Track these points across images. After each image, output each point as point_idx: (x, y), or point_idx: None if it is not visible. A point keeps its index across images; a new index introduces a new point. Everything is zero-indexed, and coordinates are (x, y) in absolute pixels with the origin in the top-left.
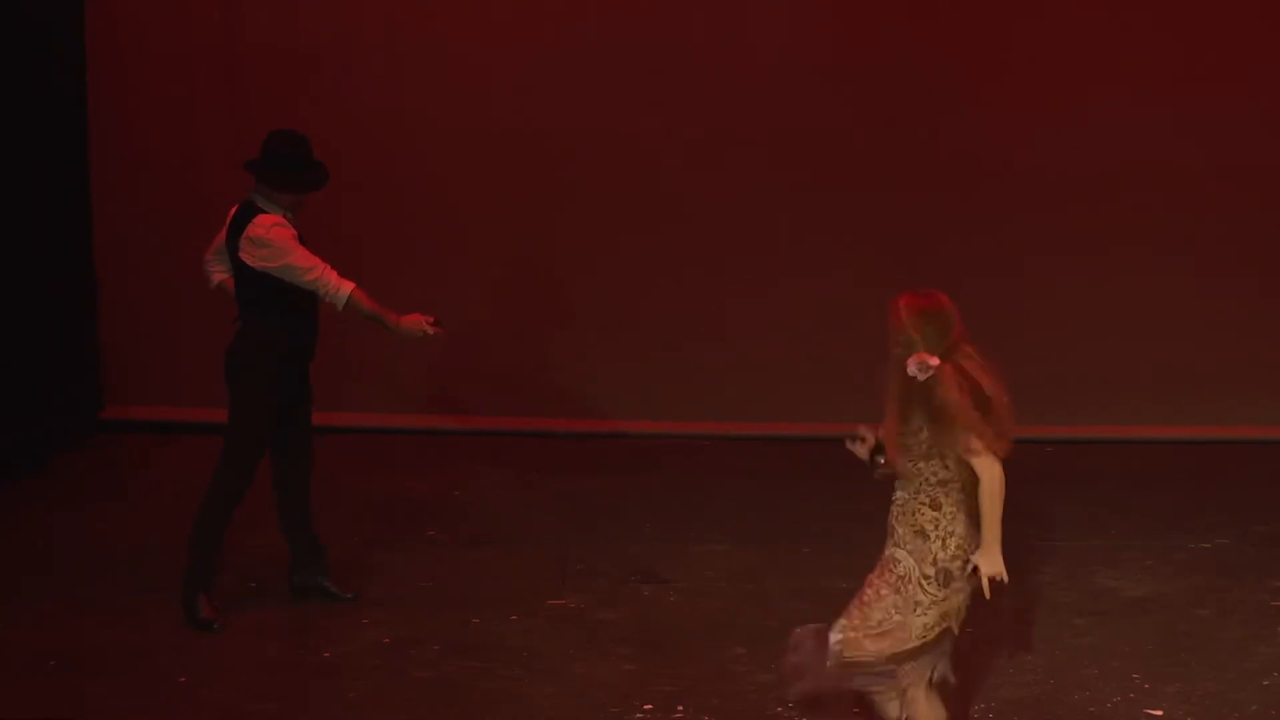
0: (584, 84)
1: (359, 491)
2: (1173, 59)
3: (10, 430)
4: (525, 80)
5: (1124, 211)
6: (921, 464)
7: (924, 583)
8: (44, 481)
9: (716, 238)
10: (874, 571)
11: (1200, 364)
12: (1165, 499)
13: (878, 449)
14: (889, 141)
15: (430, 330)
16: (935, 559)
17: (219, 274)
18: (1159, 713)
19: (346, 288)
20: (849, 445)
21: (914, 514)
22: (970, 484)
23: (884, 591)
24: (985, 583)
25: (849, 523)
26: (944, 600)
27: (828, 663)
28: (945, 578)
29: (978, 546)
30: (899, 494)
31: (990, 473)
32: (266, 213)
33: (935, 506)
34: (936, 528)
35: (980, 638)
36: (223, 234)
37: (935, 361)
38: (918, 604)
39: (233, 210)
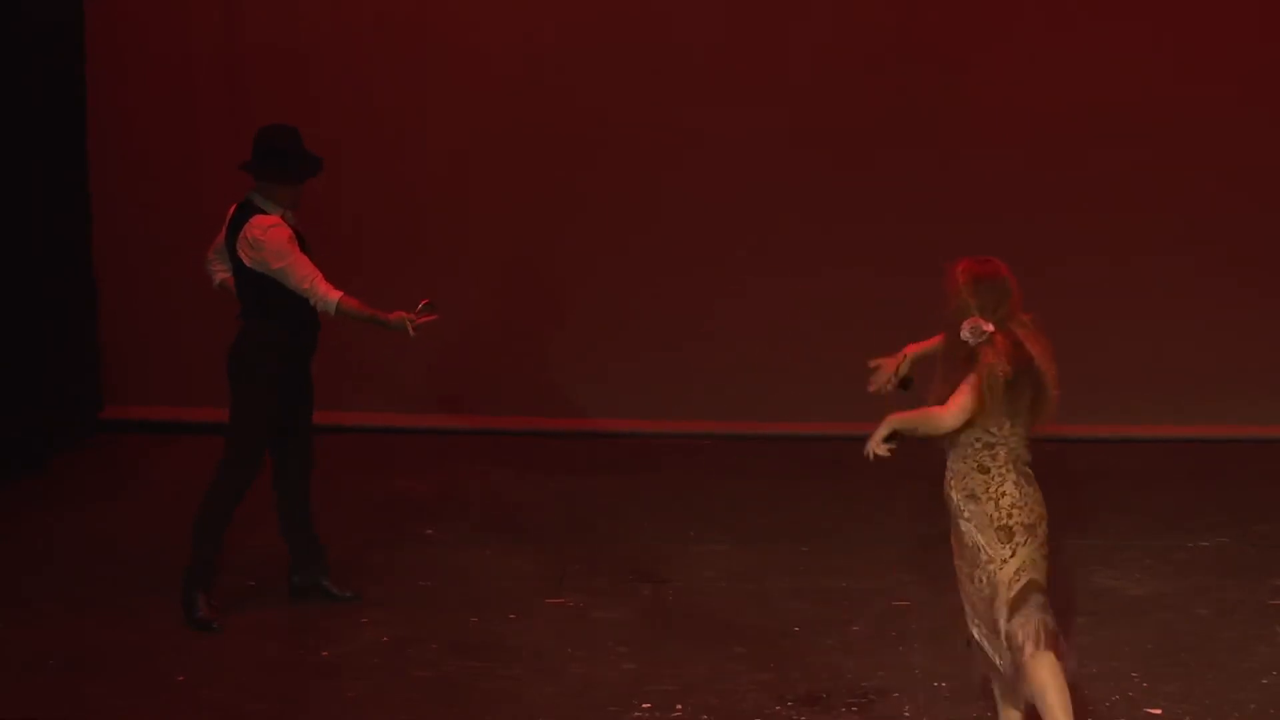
0: (584, 84)
1: (359, 491)
2: (1173, 59)
3: (10, 430)
4: (525, 80)
5: (1123, 212)
6: (967, 429)
7: (988, 546)
8: (44, 481)
9: (717, 238)
10: (953, 554)
11: (1200, 364)
12: (1165, 498)
13: (905, 381)
14: (889, 142)
15: (416, 322)
16: (992, 519)
17: (221, 273)
18: (1158, 711)
19: (334, 296)
20: (871, 386)
21: (965, 478)
22: (1017, 445)
23: (964, 570)
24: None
25: (849, 522)
26: (1013, 555)
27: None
28: (1005, 535)
29: (1030, 502)
30: (950, 463)
31: (945, 413)
32: (265, 212)
33: (984, 470)
34: (987, 490)
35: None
36: (223, 233)
37: (990, 327)
38: (990, 562)
39: (232, 209)
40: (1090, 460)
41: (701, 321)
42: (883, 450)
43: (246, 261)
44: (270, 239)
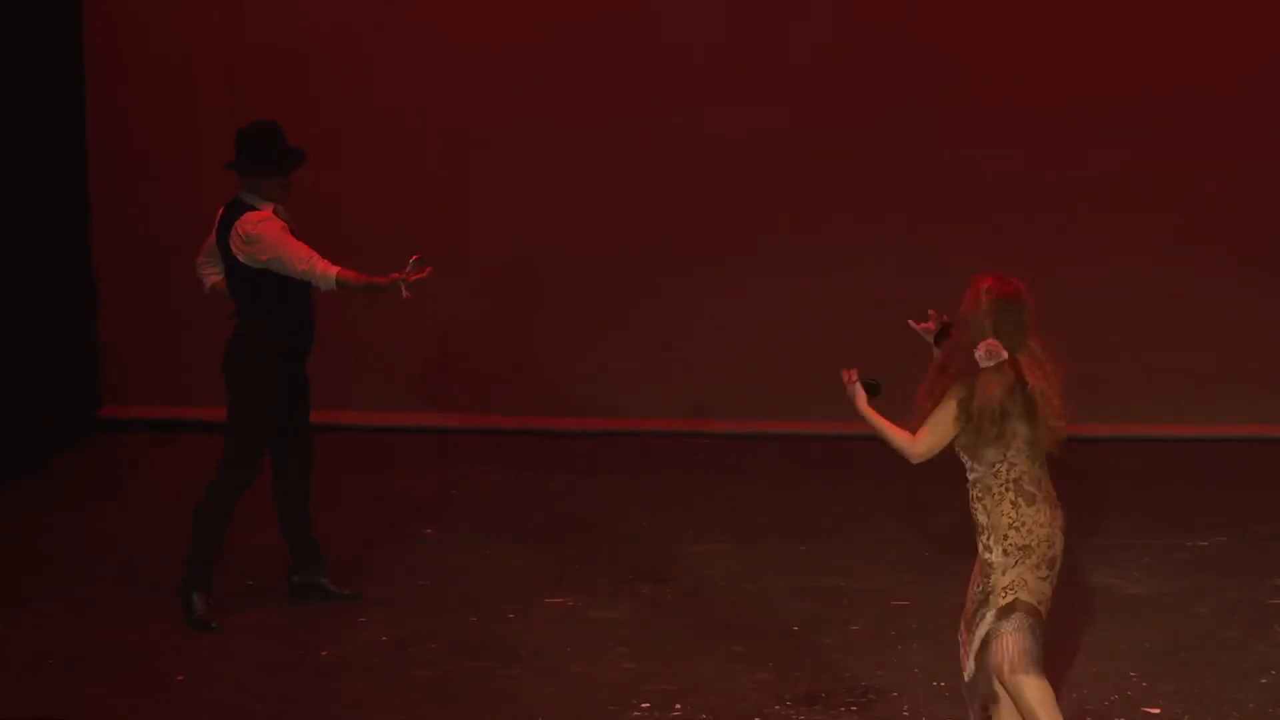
0: (584, 84)
1: (359, 491)
2: (1173, 59)
3: (10, 430)
4: (525, 80)
5: (1123, 211)
6: (964, 454)
7: (989, 557)
8: (44, 481)
9: (716, 237)
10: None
11: (1200, 364)
12: (1165, 498)
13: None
14: (889, 142)
15: (409, 280)
16: (992, 534)
17: (212, 276)
18: (1157, 711)
19: (333, 271)
20: (913, 323)
21: (973, 500)
22: (1022, 464)
23: (974, 574)
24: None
25: (849, 522)
26: (1003, 573)
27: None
28: (1001, 552)
29: (1029, 524)
30: (967, 475)
31: (910, 444)
32: (254, 208)
33: (987, 488)
34: (988, 507)
35: None
36: (212, 236)
37: (1004, 355)
38: (991, 573)
39: (220, 211)
40: (1090, 460)
41: (701, 321)
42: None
43: (240, 258)
44: (264, 230)
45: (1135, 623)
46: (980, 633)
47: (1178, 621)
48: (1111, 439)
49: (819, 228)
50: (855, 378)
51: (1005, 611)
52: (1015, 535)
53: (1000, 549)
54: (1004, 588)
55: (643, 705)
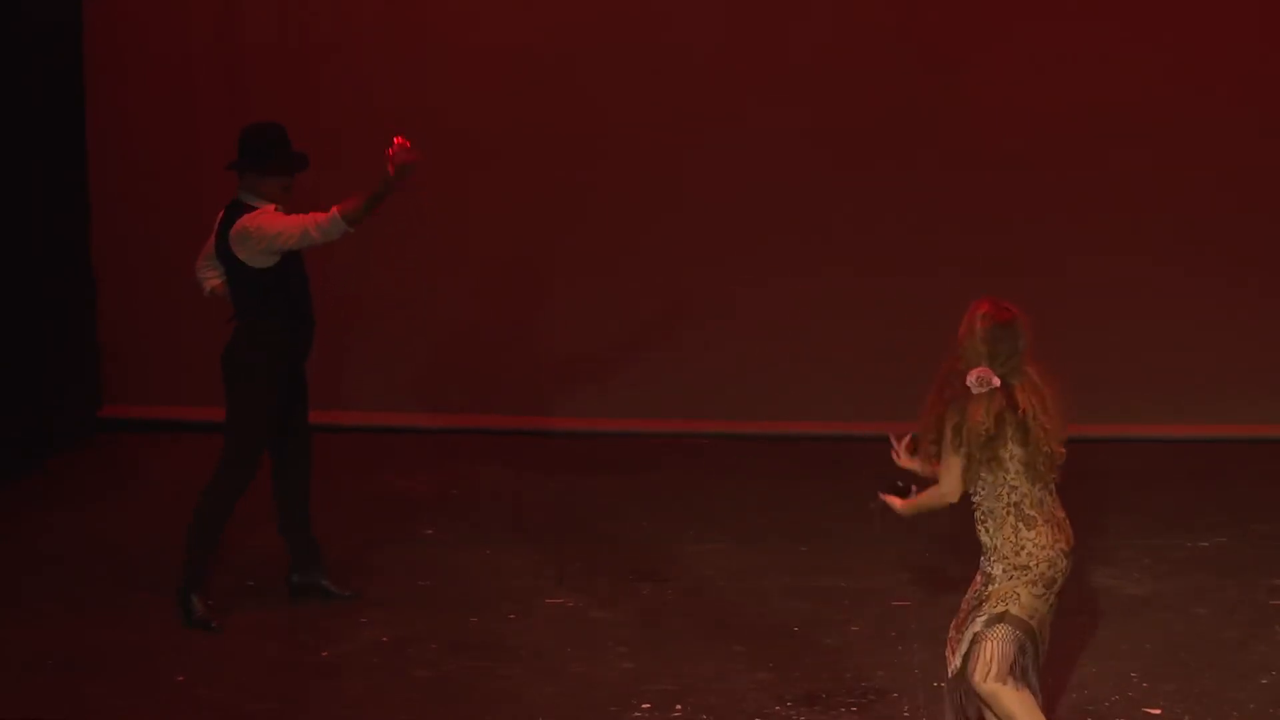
0: (584, 84)
1: (359, 491)
2: (1173, 59)
3: (10, 430)
4: (525, 80)
5: (1123, 211)
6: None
7: (989, 570)
8: (44, 481)
9: (716, 237)
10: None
11: (1200, 364)
12: (1165, 498)
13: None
14: (889, 142)
15: (396, 162)
16: (998, 558)
17: (212, 280)
18: (1157, 711)
19: (334, 212)
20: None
21: (977, 522)
22: (1022, 487)
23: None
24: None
25: (849, 522)
26: (997, 586)
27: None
28: (999, 569)
29: (1029, 546)
30: (972, 502)
31: (939, 497)
32: (254, 208)
33: (990, 510)
34: (990, 529)
35: None
36: (211, 240)
37: (996, 382)
38: (989, 582)
39: (220, 214)
40: (1090, 460)
41: (702, 321)
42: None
43: (241, 256)
44: (261, 222)
45: (1135, 623)
46: (969, 634)
47: (1178, 622)
48: (1111, 439)
49: (819, 228)
50: (887, 498)
51: (993, 620)
52: (1014, 558)
53: (1000, 567)
54: (998, 597)
55: (643, 706)
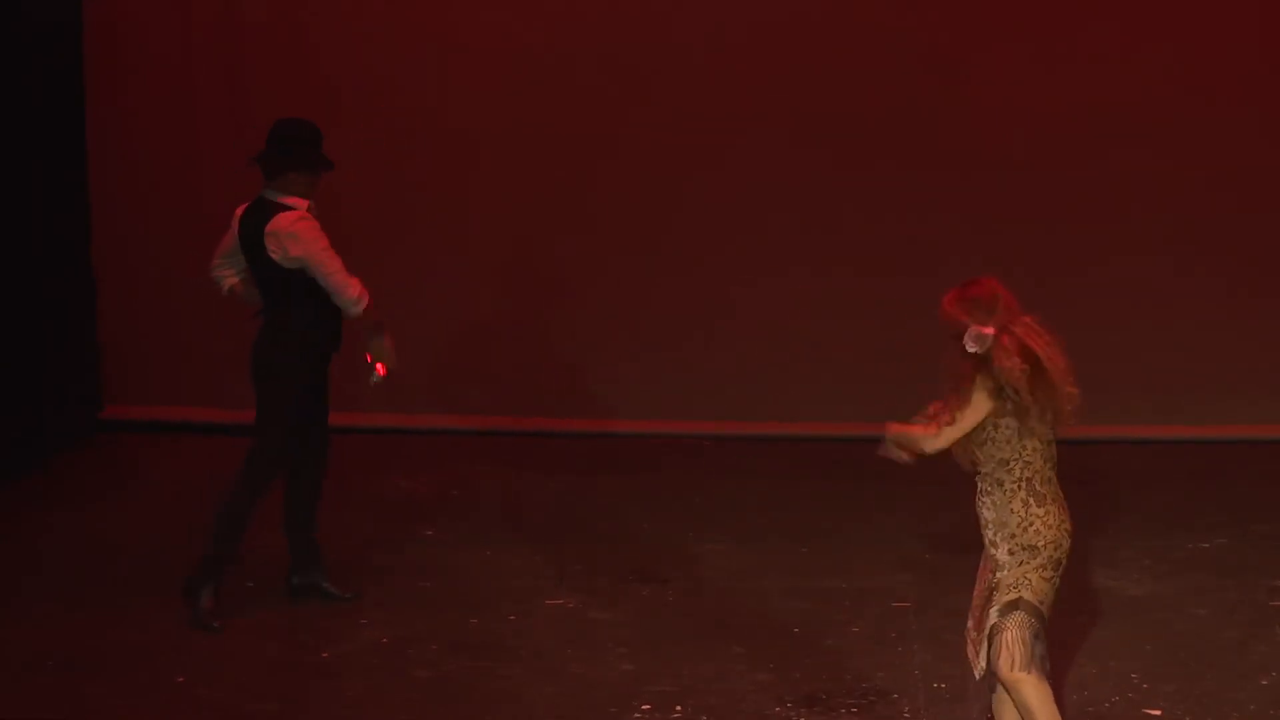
0: (585, 83)
1: (359, 491)
2: (1173, 59)
3: (10, 430)
4: (526, 79)
5: (1123, 211)
6: (978, 450)
7: (998, 554)
8: (44, 481)
9: (716, 237)
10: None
11: (1200, 364)
12: (1165, 499)
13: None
14: (889, 142)
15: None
16: (1004, 536)
17: (230, 279)
18: (1157, 712)
19: (365, 302)
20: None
21: (981, 494)
22: (1035, 462)
23: (980, 573)
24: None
25: (849, 523)
26: (1008, 571)
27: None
28: (1008, 550)
29: (1037, 524)
30: (978, 478)
31: (928, 438)
32: (287, 207)
33: (1000, 485)
34: (998, 505)
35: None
36: (228, 238)
37: (990, 330)
38: (999, 569)
39: (239, 211)
40: (1090, 460)
41: (702, 322)
42: (894, 455)
43: (275, 257)
44: (302, 229)
45: (1136, 623)
46: (987, 628)
47: (1178, 622)
48: (1111, 440)
49: (819, 228)
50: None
51: (1008, 609)
52: (1022, 535)
53: (1006, 548)
54: (1008, 585)
55: (643, 706)
